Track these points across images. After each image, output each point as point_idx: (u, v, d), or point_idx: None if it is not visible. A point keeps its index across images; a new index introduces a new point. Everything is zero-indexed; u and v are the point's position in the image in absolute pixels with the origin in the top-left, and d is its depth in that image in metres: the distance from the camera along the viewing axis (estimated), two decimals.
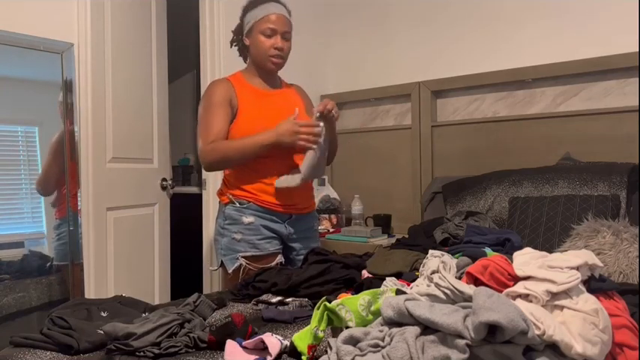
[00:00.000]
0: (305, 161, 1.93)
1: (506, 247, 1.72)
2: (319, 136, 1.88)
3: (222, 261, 2.01)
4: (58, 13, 2.29)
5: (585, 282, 1.09)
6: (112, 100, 2.52)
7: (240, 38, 2.08)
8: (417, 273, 1.41)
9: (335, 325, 1.09)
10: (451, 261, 1.23)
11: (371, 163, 3.22)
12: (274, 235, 2.00)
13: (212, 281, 2.82)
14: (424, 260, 1.23)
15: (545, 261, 1.08)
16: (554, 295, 1.00)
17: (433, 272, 1.13)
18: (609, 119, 2.40)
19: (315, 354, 1.04)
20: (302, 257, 1.95)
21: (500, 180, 2.38)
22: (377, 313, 1.09)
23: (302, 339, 1.06)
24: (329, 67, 3.49)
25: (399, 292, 1.17)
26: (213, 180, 2.74)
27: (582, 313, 0.97)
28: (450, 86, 2.92)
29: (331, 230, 2.98)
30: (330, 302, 1.09)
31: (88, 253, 2.38)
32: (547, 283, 1.01)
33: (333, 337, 1.05)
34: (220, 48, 2.77)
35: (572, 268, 1.05)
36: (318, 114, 1.92)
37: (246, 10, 2.03)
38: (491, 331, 0.87)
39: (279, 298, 1.53)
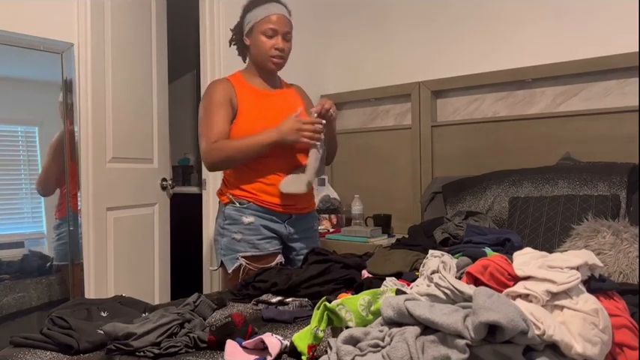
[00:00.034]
0: (309, 164, 1.94)
1: (506, 247, 1.72)
2: (321, 132, 1.89)
3: (222, 261, 2.01)
4: (58, 13, 2.29)
5: (585, 282, 1.09)
6: (112, 100, 2.52)
7: (239, 37, 2.08)
8: (417, 273, 1.41)
9: (335, 325, 1.09)
10: (451, 261, 1.23)
11: (371, 163, 3.22)
12: (274, 235, 2.01)
13: (212, 281, 2.82)
14: (424, 260, 1.23)
15: (545, 261, 1.08)
16: (554, 295, 1.00)
17: (433, 272, 1.13)
18: (609, 119, 2.40)
19: (315, 354, 1.04)
20: (302, 257, 1.95)
21: (500, 180, 2.38)
22: (377, 313, 1.09)
23: (302, 339, 1.06)
24: (329, 67, 3.49)
25: (399, 292, 1.17)
26: (213, 180, 2.74)
27: (582, 313, 0.97)
28: (450, 86, 2.92)
29: (331, 230, 2.98)
30: (330, 302, 1.09)
31: (88, 253, 2.38)
32: (547, 283, 1.01)
33: (333, 337, 1.05)
34: (220, 48, 2.77)
35: (572, 268, 1.05)
36: (315, 114, 1.92)
37: (246, 9, 2.03)
38: (492, 331, 0.87)
39: (279, 298, 1.53)
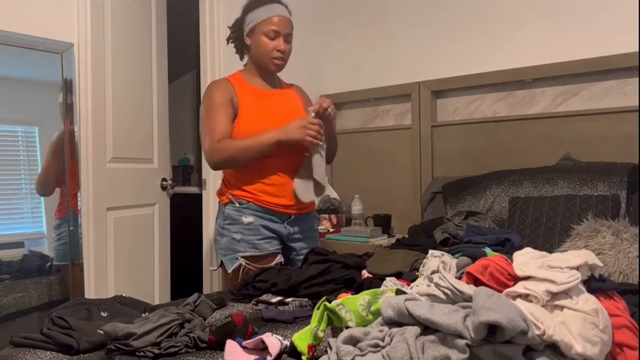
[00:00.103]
0: (318, 170, 1.95)
1: (506, 247, 1.72)
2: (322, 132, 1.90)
3: (221, 261, 2.01)
4: (58, 13, 2.29)
5: (585, 282, 1.09)
6: (112, 100, 2.52)
7: (237, 36, 2.08)
8: (417, 273, 1.41)
9: (335, 325, 1.09)
10: (451, 261, 1.23)
11: (371, 163, 3.22)
12: (274, 235, 2.01)
13: (212, 281, 2.82)
14: (424, 260, 1.23)
15: (545, 261, 1.08)
16: (554, 295, 1.00)
17: (433, 272, 1.13)
18: (609, 119, 2.40)
19: (315, 354, 1.04)
20: (302, 257, 1.95)
21: (500, 180, 2.38)
22: (377, 313, 1.09)
23: (302, 339, 1.06)
24: (329, 67, 3.49)
25: (399, 292, 1.17)
26: (213, 180, 2.74)
27: (582, 313, 0.97)
28: (450, 86, 2.92)
29: (331, 230, 2.98)
30: (330, 302, 1.09)
31: (88, 253, 2.38)
32: (547, 283, 1.01)
33: (333, 337, 1.05)
34: (220, 48, 2.77)
35: (572, 268, 1.05)
36: (313, 113, 1.92)
37: (247, 9, 2.03)
38: (492, 331, 0.87)
39: (279, 298, 1.53)
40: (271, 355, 1.07)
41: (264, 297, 1.56)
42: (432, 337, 0.90)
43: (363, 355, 0.90)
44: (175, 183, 3.09)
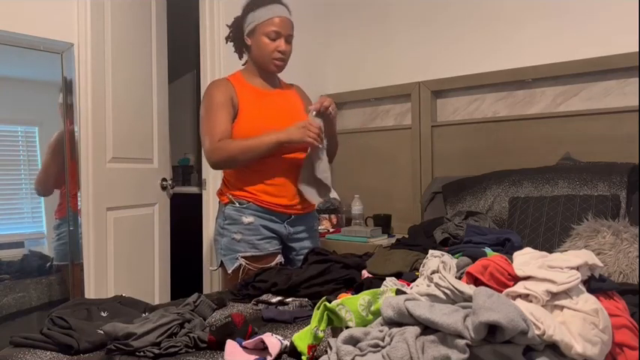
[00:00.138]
0: (321, 170, 1.95)
1: (506, 247, 1.72)
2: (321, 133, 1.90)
3: (222, 261, 2.01)
4: (58, 13, 2.29)
5: (585, 282, 1.09)
6: (112, 100, 2.52)
7: (237, 35, 2.08)
8: (417, 273, 1.41)
9: (335, 325, 1.09)
10: (451, 261, 1.23)
11: (371, 163, 3.22)
12: (274, 235, 2.01)
13: (212, 281, 2.82)
14: (424, 260, 1.23)
15: (545, 261, 1.08)
16: (554, 295, 1.00)
17: (433, 272, 1.13)
18: (609, 119, 2.40)
19: (315, 354, 1.04)
20: (302, 257, 1.94)
21: (500, 180, 2.38)
22: (377, 313, 1.09)
23: (302, 339, 1.06)
24: (329, 67, 3.49)
25: (399, 292, 1.17)
26: (213, 180, 2.74)
27: (582, 313, 0.97)
28: (450, 86, 2.92)
29: (331, 230, 2.98)
30: (330, 302, 1.09)
31: (88, 253, 2.37)
32: (547, 283, 1.01)
33: (333, 337, 1.05)
34: (220, 48, 2.77)
35: (572, 268, 1.05)
36: (314, 112, 1.92)
37: (248, 9, 2.02)
38: (492, 331, 0.87)
39: (279, 298, 1.53)
40: (271, 355, 1.07)
41: (264, 297, 1.56)
42: (432, 337, 0.90)
43: (363, 355, 0.90)
44: (175, 183, 3.09)
